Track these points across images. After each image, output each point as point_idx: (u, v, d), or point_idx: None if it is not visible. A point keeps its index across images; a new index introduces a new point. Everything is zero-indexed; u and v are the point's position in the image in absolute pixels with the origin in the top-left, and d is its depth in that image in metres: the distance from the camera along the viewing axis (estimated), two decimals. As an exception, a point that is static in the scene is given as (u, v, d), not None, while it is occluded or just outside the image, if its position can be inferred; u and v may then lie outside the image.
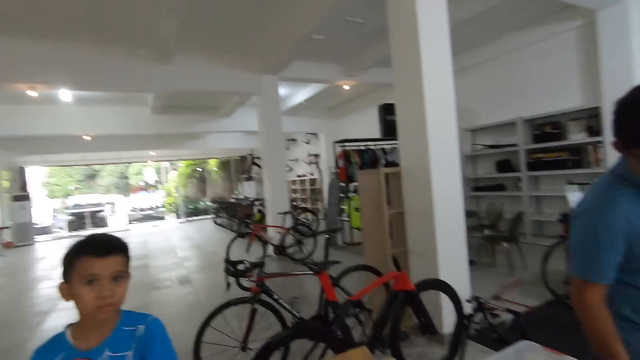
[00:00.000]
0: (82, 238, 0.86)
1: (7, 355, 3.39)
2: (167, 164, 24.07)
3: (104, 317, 0.82)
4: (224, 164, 19.39)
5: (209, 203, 17.61)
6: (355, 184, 6.50)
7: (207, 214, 16.64)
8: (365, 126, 9.76)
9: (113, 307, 0.83)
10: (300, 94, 9.33)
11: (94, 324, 0.83)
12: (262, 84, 6.52)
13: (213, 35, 5.41)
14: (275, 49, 5.63)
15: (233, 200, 13.52)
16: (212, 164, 20.02)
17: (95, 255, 0.81)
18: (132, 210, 19.09)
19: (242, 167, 17.83)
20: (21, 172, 13.84)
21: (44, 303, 4.92)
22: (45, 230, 15.05)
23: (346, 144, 6.73)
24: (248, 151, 14.53)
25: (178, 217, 17.44)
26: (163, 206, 20.04)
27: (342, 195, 7.01)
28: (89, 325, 0.83)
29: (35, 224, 12.96)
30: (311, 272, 2.38)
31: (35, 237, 12.25)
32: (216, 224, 12.99)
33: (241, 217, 9.84)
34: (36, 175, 18.33)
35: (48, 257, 9.11)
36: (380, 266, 2.94)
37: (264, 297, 2.43)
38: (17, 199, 11.85)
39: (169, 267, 6.64)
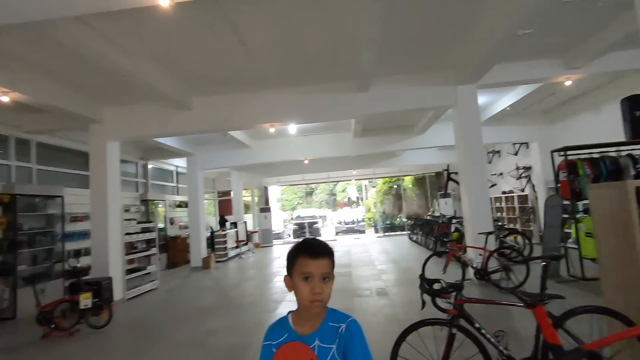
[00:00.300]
0: (301, 241, 1.06)
1: (251, 328, 4.47)
2: (366, 182, 26.26)
3: (314, 310, 0.97)
4: (419, 181, 19.38)
5: (404, 219, 17.94)
6: (585, 201, 5.15)
7: (403, 230, 16.96)
8: (598, 128, 7.66)
9: (321, 303, 0.97)
10: (503, 101, 8.31)
11: (308, 314, 0.99)
12: (458, 96, 6.21)
13: (405, 57, 5.61)
14: (472, 57, 5.27)
15: (429, 218, 13.26)
16: (407, 181, 20.39)
17: (310, 256, 0.98)
18: (338, 223, 21.75)
19: (437, 183, 17.31)
20: (265, 190, 18.30)
21: (278, 293, 6.23)
22: (279, 236, 19.30)
23: (571, 152, 5.46)
24: (443, 167, 14.01)
25: (376, 231, 18.57)
26: (363, 220, 21.84)
27: (565, 215, 5.68)
28: (304, 315, 1.00)
29: (273, 230, 16.73)
30: (522, 304, 2.03)
31: (273, 240, 15.82)
32: (411, 240, 13.03)
33: (437, 235, 9.49)
34: (274, 193, 23.77)
35: (281, 257, 11.52)
36: (630, 312, 2.18)
37: (462, 322, 2.24)
38: (262, 210, 15.72)
39: (368, 277, 7.12)
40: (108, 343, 4.33)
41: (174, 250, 10.87)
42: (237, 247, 12.31)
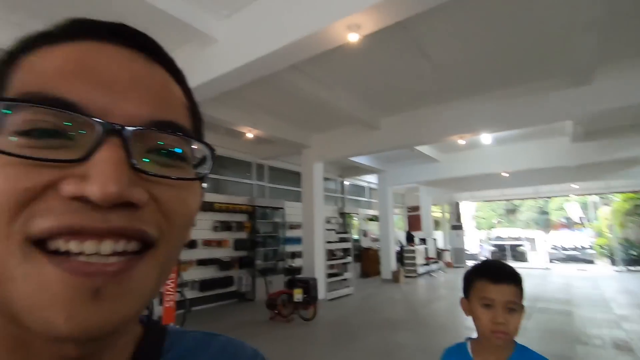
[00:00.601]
0: (481, 262, 0.97)
1: (439, 351, 4.21)
2: (595, 197, 20.52)
3: (496, 343, 0.86)
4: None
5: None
6: None
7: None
8: None
9: (506, 336, 0.85)
10: None
11: (489, 346, 0.89)
12: None
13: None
14: None
15: None
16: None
17: (491, 280, 0.88)
18: (552, 249, 17.81)
19: None
20: (456, 206, 17.16)
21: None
22: (473, 257, 17.51)
23: None
24: None
25: (613, 263, 14.12)
26: (591, 248, 17.07)
27: None
28: (485, 345, 0.91)
29: (467, 250, 15.35)
30: None
31: (466, 261, 14.53)
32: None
33: None
34: (467, 209, 21.97)
35: (475, 281, 10.44)
36: None
37: None
38: (454, 227, 14.77)
39: (599, 322, 5.49)
40: (313, 334, 5.07)
41: (367, 260, 11.65)
42: (426, 264, 12.00)
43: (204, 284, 6.94)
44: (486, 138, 8.25)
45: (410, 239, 12.31)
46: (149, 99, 0.26)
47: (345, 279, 8.33)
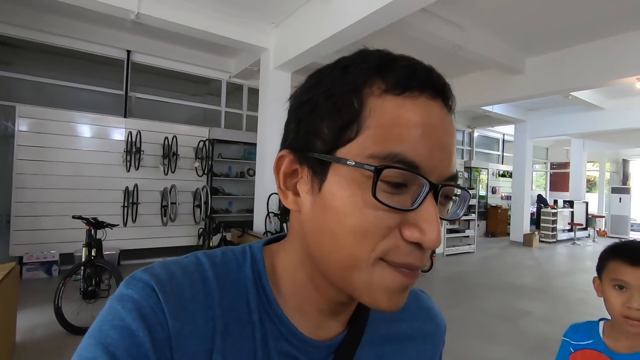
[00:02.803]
0: (620, 242, 0.86)
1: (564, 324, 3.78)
2: None
3: (630, 330, 0.78)
4: None
5: None
6: None
7: None
8: None
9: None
10: None
11: (624, 331, 0.82)
12: None
13: None
14: None
15: None
16: None
17: (628, 262, 0.78)
18: None
19: None
20: (623, 164, 13.85)
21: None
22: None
23: None
24: None
25: None
26: None
27: None
28: (619, 329, 0.83)
29: (632, 219, 12.48)
30: None
31: (629, 231, 11.91)
32: None
33: None
34: (639, 169, 17.46)
35: (638, 256, 8.60)
36: None
37: None
38: (615, 190, 12.08)
39: None
40: (429, 286, 5.16)
41: (494, 219, 10.75)
42: (570, 229, 10.37)
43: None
44: (683, 77, 6.19)
45: (543, 203, 10.68)
46: (451, 157, 0.35)
47: (467, 237, 7.96)
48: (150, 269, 0.36)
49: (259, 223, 5.04)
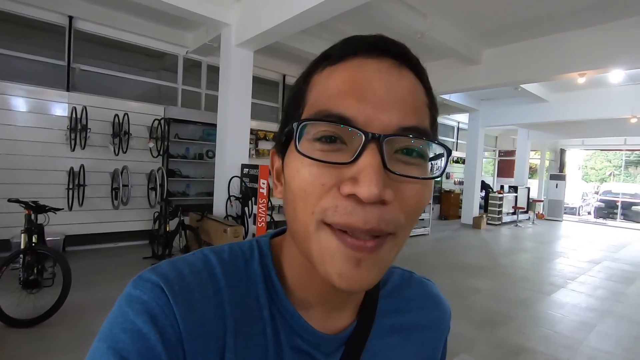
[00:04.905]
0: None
1: (516, 302, 4.16)
2: None
3: None
4: None
5: None
6: None
7: None
8: None
9: None
10: None
11: None
12: None
13: None
14: None
15: None
16: None
17: None
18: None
19: None
20: (561, 153, 15.16)
21: (557, 277, 5.34)
22: (573, 211, 15.72)
23: None
24: None
25: None
26: None
27: None
28: None
29: (566, 203, 13.76)
30: None
31: (563, 214, 13.15)
32: None
33: None
34: (574, 158, 19.22)
35: (571, 237, 9.55)
36: None
37: None
38: (553, 177, 13.22)
39: None
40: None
41: (447, 203, 11.35)
42: (514, 213, 11.24)
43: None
44: (616, 75, 6.81)
45: (485, 188, 11.44)
46: (398, 107, 0.33)
47: (422, 219, 8.34)
48: (158, 268, 0.36)
49: (219, 207, 4.90)
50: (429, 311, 0.51)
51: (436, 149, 0.35)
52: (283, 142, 0.37)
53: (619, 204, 14.44)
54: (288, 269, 0.40)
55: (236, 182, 4.72)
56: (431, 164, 0.35)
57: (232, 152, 4.73)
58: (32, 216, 3.10)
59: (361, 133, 0.31)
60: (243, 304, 0.37)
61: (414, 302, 0.49)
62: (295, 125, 0.32)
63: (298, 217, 0.34)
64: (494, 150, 14.89)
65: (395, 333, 0.46)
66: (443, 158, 0.35)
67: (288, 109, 0.38)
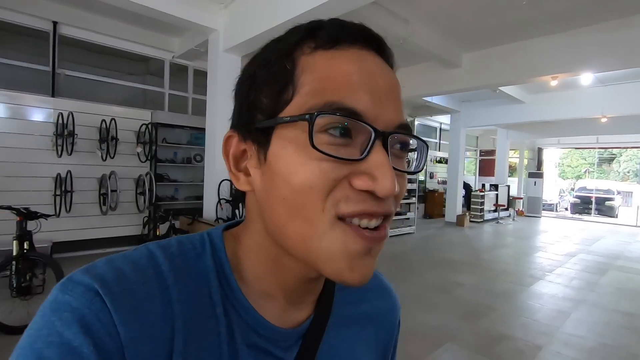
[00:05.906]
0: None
1: (498, 294, 4.37)
2: None
3: None
4: None
5: None
6: None
7: None
8: None
9: None
10: None
11: None
12: None
13: None
14: None
15: None
16: None
17: None
18: (651, 205, 15.74)
19: None
20: (538, 152, 15.74)
21: (536, 269, 5.61)
22: (550, 207, 16.35)
23: None
24: None
25: None
26: None
27: None
28: None
29: (544, 200, 14.31)
30: None
31: (542, 211, 13.66)
32: None
33: None
34: (551, 156, 19.94)
35: (549, 232, 9.95)
36: None
37: None
38: (531, 175, 13.74)
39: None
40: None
41: (431, 202, 11.64)
42: (495, 210, 11.62)
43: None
44: (586, 78, 7.19)
45: (466, 188, 11.79)
46: (395, 104, 0.33)
47: (407, 219, 8.55)
48: (92, 268, 0.31)
49: (209, 210, 4.95)
50: (382, 302, 0.50)
51: (416, 144, 0.37)
52: (265, 128, 0.33)
53: (593, 199, 15.07)
54: (248, 261, 0.38)
55: (226, 185, 4.79)
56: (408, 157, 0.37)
57: (222, 155, 4.78)
58: (24, 223, 3.10)
59: (371, 129, 0.31)
60: (194, 302, 0.34)
61: (370, 292, 0.49)
62: (308, 117, 0.30)
63: (300, 216, 0.31)
64: (475, 150, 15.32)
65: (352, 324, 0.45)
66: (424, 152, 0.37)
67: (263, 88, 0.34)
